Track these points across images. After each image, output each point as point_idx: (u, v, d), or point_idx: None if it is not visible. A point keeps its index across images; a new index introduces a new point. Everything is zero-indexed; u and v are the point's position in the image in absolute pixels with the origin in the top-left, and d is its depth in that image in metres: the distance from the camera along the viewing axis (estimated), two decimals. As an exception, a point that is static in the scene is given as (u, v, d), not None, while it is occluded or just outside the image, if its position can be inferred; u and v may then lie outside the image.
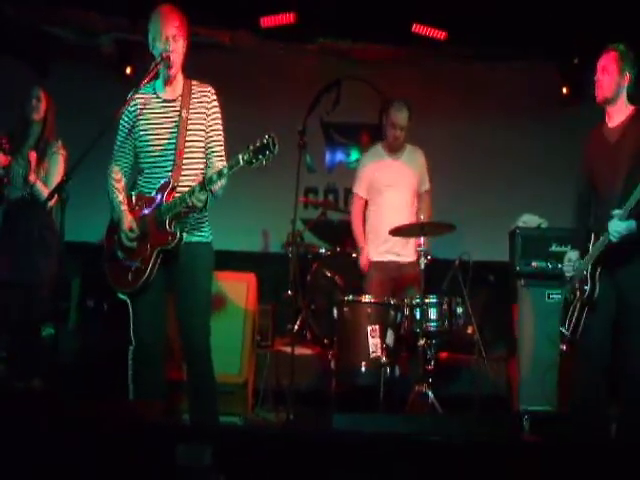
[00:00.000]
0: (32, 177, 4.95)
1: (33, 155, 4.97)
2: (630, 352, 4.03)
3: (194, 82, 4.15)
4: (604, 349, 4.09)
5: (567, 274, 4.26)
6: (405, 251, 5.56)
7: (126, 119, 4.11)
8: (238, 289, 5.43)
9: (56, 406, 3.30)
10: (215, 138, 4.12)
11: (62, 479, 2.99)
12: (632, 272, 4.03)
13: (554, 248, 5.28)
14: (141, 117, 4.08)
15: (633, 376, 4.01)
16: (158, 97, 4.12)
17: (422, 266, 5.09)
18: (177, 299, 4.11)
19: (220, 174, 3.82)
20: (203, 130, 4.09)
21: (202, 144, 4.09)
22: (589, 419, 4.11)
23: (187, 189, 3.94)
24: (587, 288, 4.06)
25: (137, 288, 4.01)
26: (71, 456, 3.00)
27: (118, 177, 4.15)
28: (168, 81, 4.10)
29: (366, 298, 5.24)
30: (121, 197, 4.11)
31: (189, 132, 4.04)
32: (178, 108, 4.07)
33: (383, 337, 5.07)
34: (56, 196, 3.97)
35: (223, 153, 4.13)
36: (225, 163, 4.01)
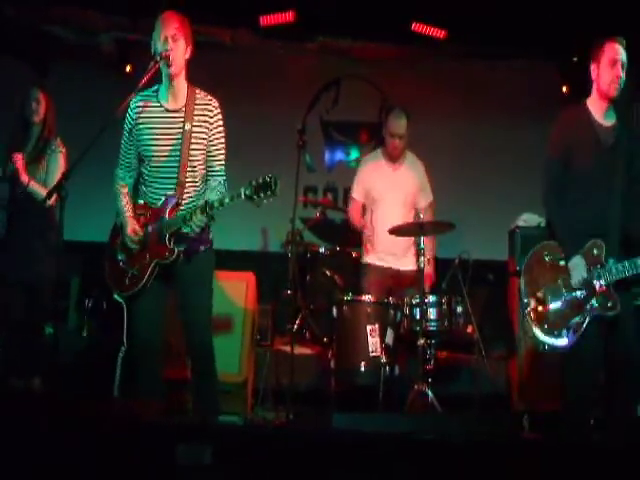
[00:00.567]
0: (24, 178, 4.94)
1: (18, 157, 4.95)
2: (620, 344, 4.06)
3: (198, 91, 4.15)
4: (598, 352, 4.07)
5: (577, 283, 4.06)
6: (406, 259, 5.53)
7: (129, 126, 4.12)
8: (237, 288, 5.44)
9: (56, 406, 3.30)
10: (216, 156, 4.14)
11: (62, 479, 2.99)
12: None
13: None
14: (144, 126, 4.09)
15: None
16: (161, 106, 4.11)
17: (422, 265, 5.09)
18: (180, 299, 4.15)
19: (221, 203, 3.85)
20: (205, 142, 4.10)
21: (204, 156, 4.11)
22: (583, 419, 4.11)
23: (189, 204, 4.02)
24: (614, 305, 3.96)
25: (132, 294, 4.06)
26: (71, 456, 3.01)
27: (124, 183, 4.20)
28: (170, 85, 4.09)
29: (366, 297, 5.24)
30: (126, 203, 4.15)
31: (192, 145, 4.06)
32: (182, 119, 4.07)
33: (383, 336, 5.07)
34: (55, 195, 3.97)
35: (223, 172, 4.16)
36: (223, 179, 4.10)
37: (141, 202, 4.16)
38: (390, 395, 4.98)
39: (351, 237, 5.89)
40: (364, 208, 5.71)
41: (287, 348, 5.42)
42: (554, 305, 4.13)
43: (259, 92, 7.45)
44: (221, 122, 4.15)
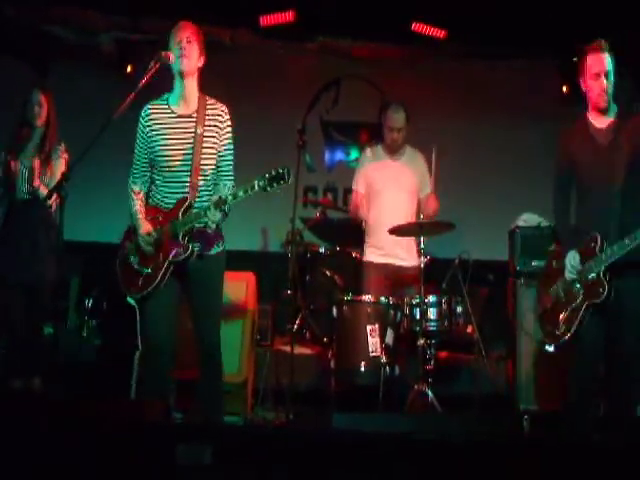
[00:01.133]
0: (37, 182, 4.97)
1: (37, 162, 4.99)
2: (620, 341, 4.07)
3: (209, 98, 4.21)
4: (598, 348, 4.10)
5: (569, 274, 4.17)
6: (406, 254, 5.54)
7: (142, 135, 4.17)
8: (237, 288, 5.43)
9: (56, 406, 3.30)
10: (226, 157, 4.20)
11: (62, 479, 2.99)
12: (631, 276, 4.03)
13: (554, 247, 5.28)
14: (157, 132, 4.13)
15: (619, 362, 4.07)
16: (173, 112, 4.16)
17: (422, 265, 5.09)
18: (191, 300, 4.18)
19: (235, 197, 3.90)
20: (216, 148, 4.15)
21: (215, 161, 4.16)
22: (584, 416, 4.11)
23: (201, 205, 4.03)
24: (603, 292, 4.00)
25: (145, 294, 4.07)
26: (71, 456, 3.01)
27: (137, 190, 4.23)
28: (182, 91, 4.14)
29: (365, 297, 5.24)
30: (139, 207, 4.19)
31: (204, 149, 4.11)
32: (194, 124, 4.11)
33: (383, 336, 5.07)
34: (55, 195, 3.98)
35: (232, 173, 4.21)
36: (232, 183, 4.15)
37: (153, 205, 4.19)
38: (390, 395, 4.98)
39: (351, 237, 5.88)
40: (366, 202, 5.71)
41: (287, 348, 5.42)
42: (556, 302, 4.23)
43: (259, 92, 7.44)
44: (230, 128, 4.21)
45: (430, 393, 4.94)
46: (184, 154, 4.09)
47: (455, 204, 6.75)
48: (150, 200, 4.22)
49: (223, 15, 6.66)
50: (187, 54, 4.07)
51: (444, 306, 5.18)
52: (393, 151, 5.64)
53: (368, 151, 5.88)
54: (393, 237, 5.37)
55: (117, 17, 6.77)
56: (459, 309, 5.21)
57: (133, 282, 4.11)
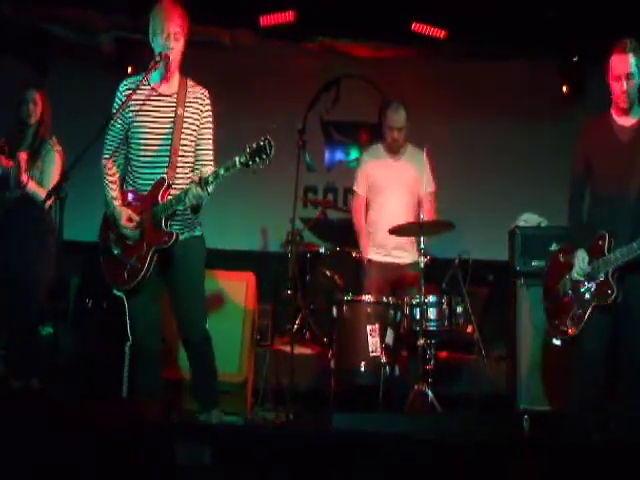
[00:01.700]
0: (24, 178, 4.91)
1: (23, 156, 4.94)
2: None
3: (190, 81, 4.15)
4: (603, 347, 4.10)
5: (577, 274, 4.17)
6: (406, 252, 5.54)
7: (119, 110, 4.04)
8: (237, 288, 5.43)
9: (56, 406, 3.30)
10: (206, 137, 4.12)
11: (62, 479, 2.99)
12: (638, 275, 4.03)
13: (554, 247, 5.26)
14: (135, 109, 4.04)
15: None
16: (153, 89, 4.09)
17: (422, 265, 5.09)
18: (173, 291, 4.13)
19: (216, 175, 3.81)
20: (196, 130, 4.09)
21: (194, 143, 4.09)
22: (589, 416, 4.11)
23: (181, 188, 3.94)
24: (612, 294, 4.01)
25: (132, 286, 4.01)
26: (71, 456, 3.00)
27: (112, 171, 4.12)
28: (165, 77, 4.09)
29: (366, 297, 5.24)
30: (116, 193, 4.09)
31: (184, 130, 4.04)
32: (174, 104, 4.06)
33: (383, 336, 5.07)
34: (53, 197, 3.96)
35: (212, 154, 4.14)
36: (213, 164, 4.05)
37: (129, 189, 4.10)
38: (390, 395, 4.98)
39: (351, 237, 5.88)
40: (367, 205, 5.70)
41: (287, 348, 5.42)
42: (563, 296, 4.25)
43: (259, 92, 7.44)
44: (211, 113, 4.15)
45: (430, 393, 4.93)
46: (163, 135, 4.01)
47: (455, 204, 6.75)
48: (125, 184, 4.12)
49: (223, 15, 6.66)
50: (173, 59, 4.01)
51: (444, 306, 5.17)
52: (394, 150, 5.63)
53: (369, 151, 5.88)
54: (394, 236, 5.37)
55: (117, 17, 6.76)
56: (459, 309, 5.21)
57: (118, 274, 4.03)
